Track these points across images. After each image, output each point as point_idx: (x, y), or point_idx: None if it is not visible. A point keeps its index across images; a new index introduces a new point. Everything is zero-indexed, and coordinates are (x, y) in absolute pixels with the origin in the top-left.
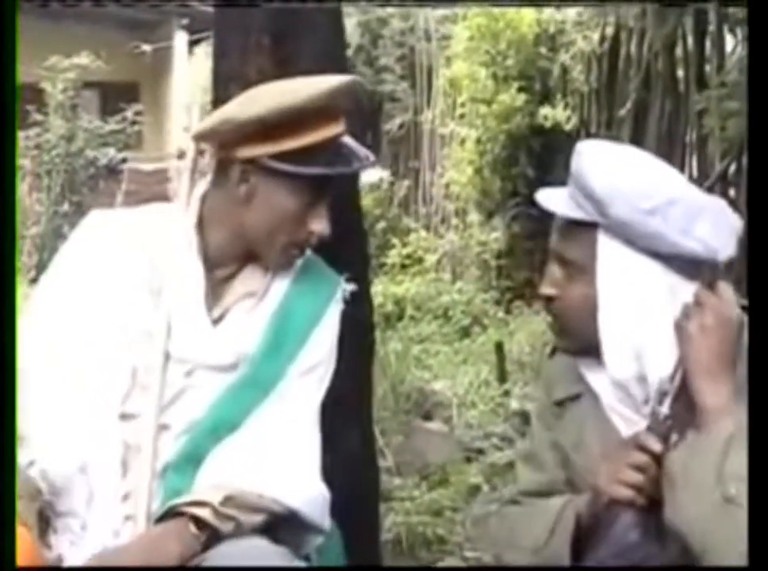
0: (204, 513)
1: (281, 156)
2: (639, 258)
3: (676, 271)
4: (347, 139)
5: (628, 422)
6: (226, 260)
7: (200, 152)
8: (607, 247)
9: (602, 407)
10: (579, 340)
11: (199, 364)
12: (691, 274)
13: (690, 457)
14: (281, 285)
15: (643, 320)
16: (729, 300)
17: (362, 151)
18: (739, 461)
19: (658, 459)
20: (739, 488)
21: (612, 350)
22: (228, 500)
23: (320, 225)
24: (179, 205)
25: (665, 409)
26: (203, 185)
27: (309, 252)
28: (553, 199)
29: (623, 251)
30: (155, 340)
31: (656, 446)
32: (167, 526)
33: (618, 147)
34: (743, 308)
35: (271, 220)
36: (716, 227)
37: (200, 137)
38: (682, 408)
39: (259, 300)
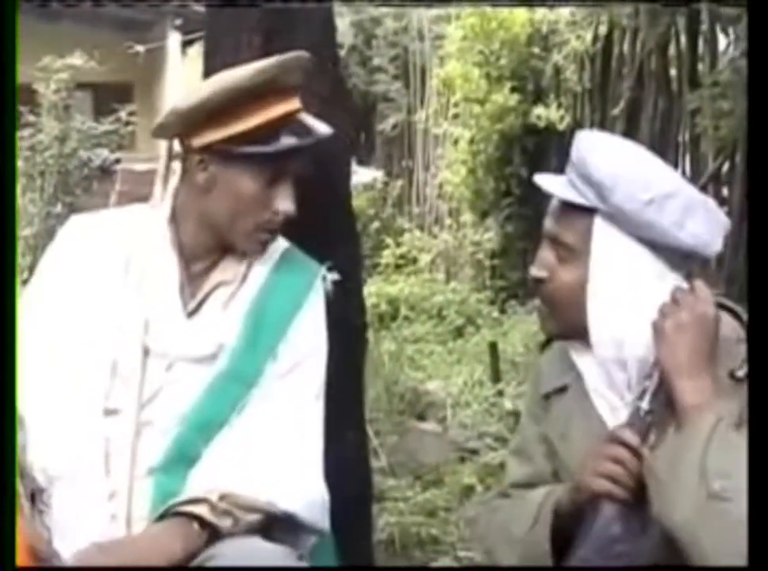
0: (202, 510)
1: (235, 140)
2: (631, 246)
3: (665, 261)
4: (305, 116)
5: (614, 410)
6: (202, 252)
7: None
8: (602, 233)
9: (589, 397)
10: (566, 323)
11: (177, 357)
12: (679, 265)
13: (674, 456)
14: (259, 275)
15: (630, 305)
16: (705, 297)
17: (320, 125)
18: (721, 456)
19: (637, 453)
20: (723, 483)
21: (598, 331)
22: (224, 498)
23: (284, 204)
24: (155, 202)
25: (645, 404)
26: (175, 180)
27: (289, 244)
28: (552, 183)
29: (617, 237)
30: (133, 336)
31: (632, 439)
32: (168, 524)
33: (619, 138)
34: (720, 305)
35: (233, 204)
36: (706, 223)
37: (156, 134)
38: (661, 403)
39: (234, 289)
